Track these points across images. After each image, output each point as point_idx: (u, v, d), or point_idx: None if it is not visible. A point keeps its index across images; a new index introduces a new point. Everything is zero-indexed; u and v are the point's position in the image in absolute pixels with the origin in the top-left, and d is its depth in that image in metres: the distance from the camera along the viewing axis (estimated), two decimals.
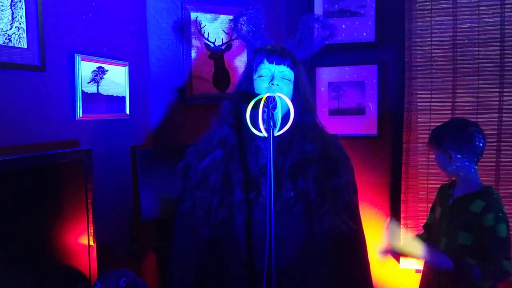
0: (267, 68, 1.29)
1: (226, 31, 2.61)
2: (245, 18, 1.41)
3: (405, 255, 1.78)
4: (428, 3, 2.58)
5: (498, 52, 2.50)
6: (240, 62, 2.67)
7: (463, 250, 1.69)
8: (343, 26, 2.70)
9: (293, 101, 1.28)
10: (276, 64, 1.29)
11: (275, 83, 1.26)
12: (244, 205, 1.28)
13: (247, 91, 1.31)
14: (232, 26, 1.44)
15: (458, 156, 1.72)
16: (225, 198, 1.28)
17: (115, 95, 2.20)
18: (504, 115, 2.52)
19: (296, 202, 1.26)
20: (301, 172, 1.26)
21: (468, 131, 1.72)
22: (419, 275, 2.13)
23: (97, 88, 2.08)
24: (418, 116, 2.62)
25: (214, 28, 2.59)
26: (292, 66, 1.30)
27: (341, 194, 1.28)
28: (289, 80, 1.30)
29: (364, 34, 2.68)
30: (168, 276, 1.43)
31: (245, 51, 2.65)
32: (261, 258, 1.12)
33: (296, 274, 1.28)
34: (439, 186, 2.04)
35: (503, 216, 1.66)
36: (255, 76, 1.31)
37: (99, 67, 2.07)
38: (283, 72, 1.29)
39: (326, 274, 1.33)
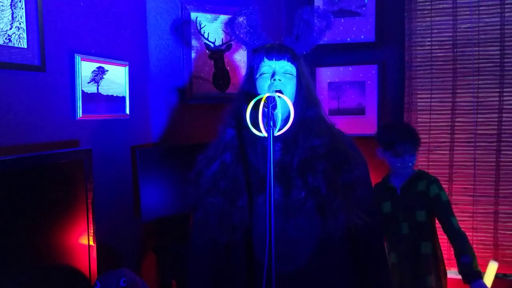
0: (267, 65, 1.27)
1: (226, 31, 2.61)
2: (240, 19, 1.40)
3: None
4: (428, 3, 2.58)
5: (498, 52, 2.50)
6: (240, 62, 2.67)
7: (422, 226, 1.99)
8: (343, 26, 2.70)
9: (296, 96, 1.27)
10: (276, 60, 1.27)
11: (277, 78, 1.25)
12: (255, 207, 1.26)
13: (249, 91, 1.30)
14: (229, 29, 1.42)
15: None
16: (236, 201, 1.27)
17: (115, 95, 2.20)
18: (504, 115, 2.52)
19: (307, 200, 1.23)
20: (310, 169, 1.23)
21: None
22: None
23: (97, 88, 2.08)
24: (418, 116, 2.62)
25: (214, 28, 2.59)
26: (292, 61, 1.28)
27: (353, 189, 1.25)
28: (291, 75, 1.28)
29: (364, 34, 2.68)
30: (185, 284, 1.42)
31: (245, 51, 2.65)
32: (275, 261, 1.09)
33: (313, 275, 1.26)
34: None
35: (440, 183, 2.02)
36: (256, 76, 1.29)
37: (99, 67, 2.07)
38: (284, 67, 1.27)
39: (343, 273, 1.31)
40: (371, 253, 1.34)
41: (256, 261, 1.26)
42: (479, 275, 1.82)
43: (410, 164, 2.02)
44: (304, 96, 1.30)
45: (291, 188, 1.23)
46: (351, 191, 1.25)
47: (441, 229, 2.02)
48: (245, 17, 1.38)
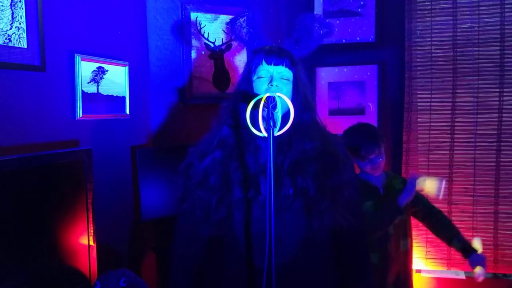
0: (265, 70, 1.30)
1: (226, 31, 2.61)
2: (242, 20, 1.42)
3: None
4: (428, 3, 2.58)
5: (498, 52, 2.50)
6: (240, 62, 2.67)
7: (403, 224, 2.02)
8: (343, 26, 2.70)
9: (292, 100, 1.28)
10: (274, 65, 1.29)
11: (274, 84, 1.27)
12: (243, 203, 1.29)
13: (246, 91, 1.31)
14: (230, 29, 1.45)
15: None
16: (224, 197, 1.29)
17: (115, 95, 2.20)
18: (504, 115, 2.52)
19: (295, 200, 1.26)
20: (300, 170, 1.26)
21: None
22: (418, 275, 2.16)
23: (97, 88, 2.08)
24: (418, 116, 2.62)
25: (214, 28, 2.59)
26: (290, 66, 1.31)
27: (341, 192, 1.28)
28: (288, 80, 1.31)
29: (364, 34, 2.68)
30: (168, 274, 1.44)
31: (245, 51, 2.66)
32: (259, 257, 1.12)
33: (296, 272, 1.29)
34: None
35: None
36: (254, 78, 1.32)
37: (99, 67, 2.08)
38: (282, 73, 1.30)
39: (326, 272, 1.34)
40: (355, 254, 1.38)
41: (239, 255, 1.29)
42: (476, 250, 1.97)
43: (380, 161, 2.00)
44: (300, 101, 1.32)
45: (281, 188, 1.25)
46: (339, 193, 1.28)
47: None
48: (246, 18, 1.41)
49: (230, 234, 1.31)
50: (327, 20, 1.44)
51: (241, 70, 2.65)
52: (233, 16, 1.46)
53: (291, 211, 1.26)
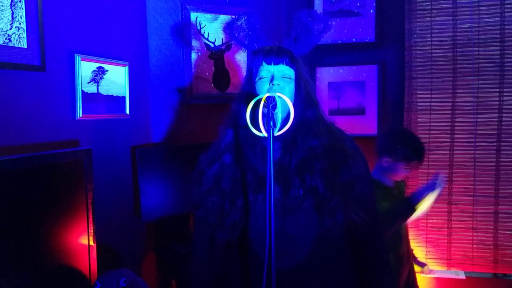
0: (266, 70, 1.30)
1: (226, 33, 2.61)
2: (239, 23, 1.42)
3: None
4: (428, 3, 2.58)
5: (498, 52, 2.50)
6: (240, 62, 2.67)
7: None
8: (343, 26, 2.70)
9: (295, 98, 1.29)
10: (274, 64, 1.29)
11: (276, 83, 1.27)
12: (254, 206, 1.29)
13: (249, 93, 1.32)
14: (228, 31, 1.45)
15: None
16: (236, 201, 1.30)
17: (115, 95, 2.20)
18: (504, 115, 2.52)
19: (305, 199, 1.26)
20: (308, 169, 1.26)
21: None
22: (418, 275, 2.16)
23: (97, 88, 2.08)
24: (418, 116, 2.63)
25: (214, 28, 2.60)
26: (290, 64, 1.31)
27: (351, 187, 1.27)
28: (290, 78, 1.31)
29: (364, 34, 2.68)
30: (188, 281, 1.45)
31: (245, 51, 2.66)
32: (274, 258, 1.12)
33: (312, 272, 1.29)
34: None
35: None
36: (256, 79, 1.32)
37: (99, 67, 2.08)
38: (283, 71, 1.30)
39: (343, 269, 1.33)
40: (372, 250, 1.36)
41: (256, 258, 1.28)
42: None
43: None
44: (303, 98, 1.32)
45: (290, 187, 1.25)
46: (349, 189, 1.26)
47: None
48: (244, 20, 1.41)
49: (244, 237, 1.31)
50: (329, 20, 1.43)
51: (241, 70, 2.66)
52: (232, 17, 1.46)
53: (302, 211, 1.26)
